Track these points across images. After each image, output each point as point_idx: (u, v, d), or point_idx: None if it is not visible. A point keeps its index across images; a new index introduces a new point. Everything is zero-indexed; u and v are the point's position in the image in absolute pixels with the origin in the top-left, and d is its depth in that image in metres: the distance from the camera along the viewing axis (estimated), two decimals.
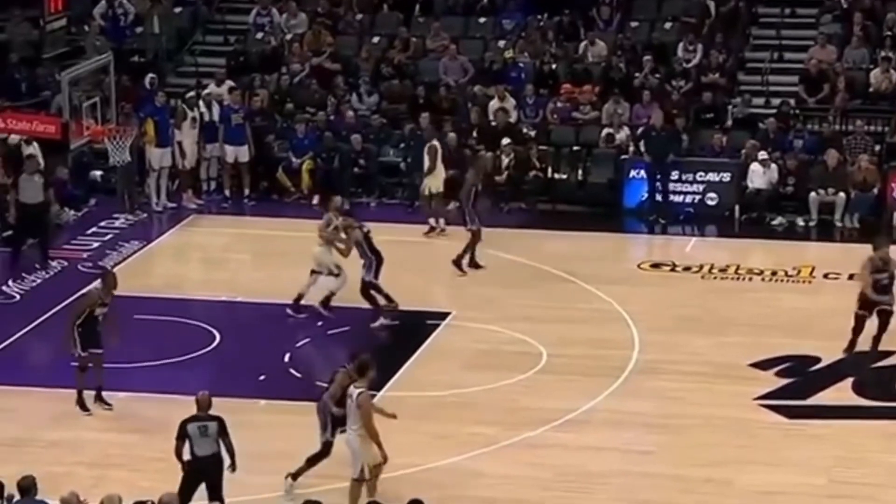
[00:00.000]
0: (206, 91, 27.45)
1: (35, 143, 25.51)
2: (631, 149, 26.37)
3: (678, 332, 20.39)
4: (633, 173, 26.07)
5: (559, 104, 27.71)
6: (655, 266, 23.29)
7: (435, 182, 24.74)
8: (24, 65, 28.82)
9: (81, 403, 18.16)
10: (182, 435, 15.12)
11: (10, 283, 22.63)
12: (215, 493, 15.04)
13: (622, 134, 26.70)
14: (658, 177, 25.64)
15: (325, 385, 16.17)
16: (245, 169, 26.88)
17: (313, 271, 21.08)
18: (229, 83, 27.79)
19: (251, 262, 24.22)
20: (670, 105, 26.99)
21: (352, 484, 15.34)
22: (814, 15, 28.96)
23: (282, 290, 22.17)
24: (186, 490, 14.90)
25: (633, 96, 27.39)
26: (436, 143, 24.97)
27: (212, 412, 15.26)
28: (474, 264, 22.73)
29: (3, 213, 24.13)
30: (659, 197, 25.64)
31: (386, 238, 22.26)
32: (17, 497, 13.91)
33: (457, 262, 22.62)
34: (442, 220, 24.65)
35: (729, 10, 29.16)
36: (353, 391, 15.30)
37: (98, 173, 26.94)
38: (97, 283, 18.66)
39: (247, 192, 26.90)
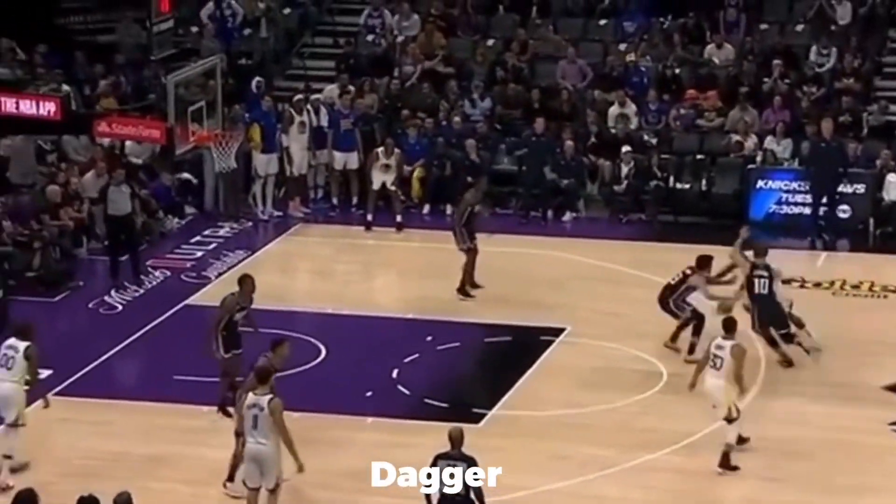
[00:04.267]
0: (316, 95, 26.75)
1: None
2: (759, 158, 25.35)
3: None
4: (760, 184, 25.17)
5: (682, 111, 26.78)
6: (784, 282, 22.14)
7: (389, 178, 24.96)
8: (129, 67, 28.34)
9: (224, 410, 17.48)
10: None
11: (112, 293, 22.12)
12: None
13: (751, 142, 25.65)
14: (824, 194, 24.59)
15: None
16: (354, 176, 26.14)
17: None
18: (344, 86, 27.06)
19: (359, 273, 23.53)
20: (801, 113, 25.88)
21: (268, 496, 14.84)
22: None
23: (390, 302, 21.64)
24: None
25: (759, 103, 26.33)
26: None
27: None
28: (473, 284, 21.68)
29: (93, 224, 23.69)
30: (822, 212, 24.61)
31: (499, 249, 21.71)
32: None
33: (461, 290, 21.59)
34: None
35: (866, 11, 27.93)
36: (262, 399, 14.74)
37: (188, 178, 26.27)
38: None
39: (355, 200, 26.15)
